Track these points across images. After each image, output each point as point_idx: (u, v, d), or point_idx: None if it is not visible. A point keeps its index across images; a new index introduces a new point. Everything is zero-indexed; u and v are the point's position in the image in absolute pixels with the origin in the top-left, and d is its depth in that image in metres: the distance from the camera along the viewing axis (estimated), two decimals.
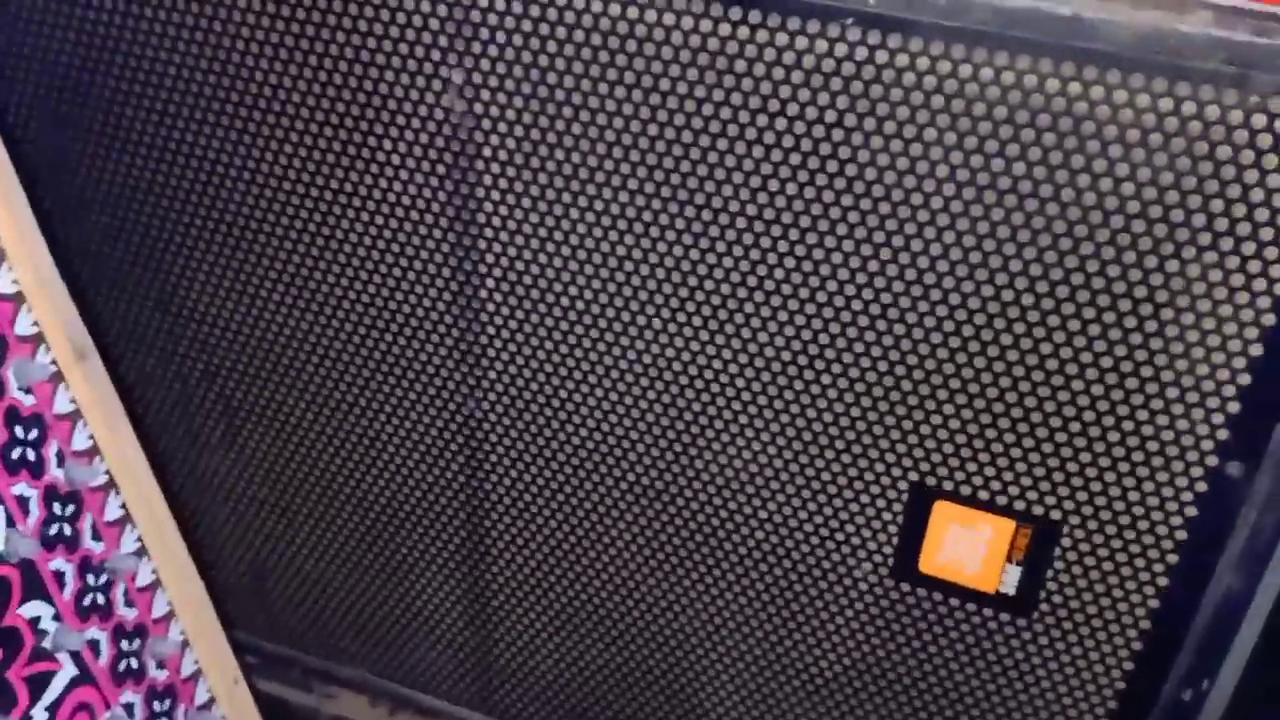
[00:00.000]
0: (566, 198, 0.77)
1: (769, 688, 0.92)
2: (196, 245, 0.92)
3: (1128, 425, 0.69)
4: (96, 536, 0.70)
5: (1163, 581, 0.73)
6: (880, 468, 0.78)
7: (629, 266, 0.78)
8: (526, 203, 0.78)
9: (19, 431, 0.64)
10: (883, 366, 0.74)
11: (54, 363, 0.67)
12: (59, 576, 0.68)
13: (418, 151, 0.80)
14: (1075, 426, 0.71)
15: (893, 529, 0.79)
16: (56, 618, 0.67)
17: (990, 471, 0.75)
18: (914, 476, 0.77)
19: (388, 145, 0.80)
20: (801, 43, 0.66)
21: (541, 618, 0.99)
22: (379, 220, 0.84)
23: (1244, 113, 0.58)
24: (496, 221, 0.80)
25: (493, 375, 0.87)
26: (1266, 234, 0.61)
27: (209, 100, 0.84)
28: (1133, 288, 0.65)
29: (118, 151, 0.90)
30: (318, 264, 0.88)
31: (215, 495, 1.08)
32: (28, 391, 0.65)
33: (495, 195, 0.79)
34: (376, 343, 0.90)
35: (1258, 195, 0.60)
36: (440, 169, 0.80)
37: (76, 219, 0.96)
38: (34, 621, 0.66)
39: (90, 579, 0.70)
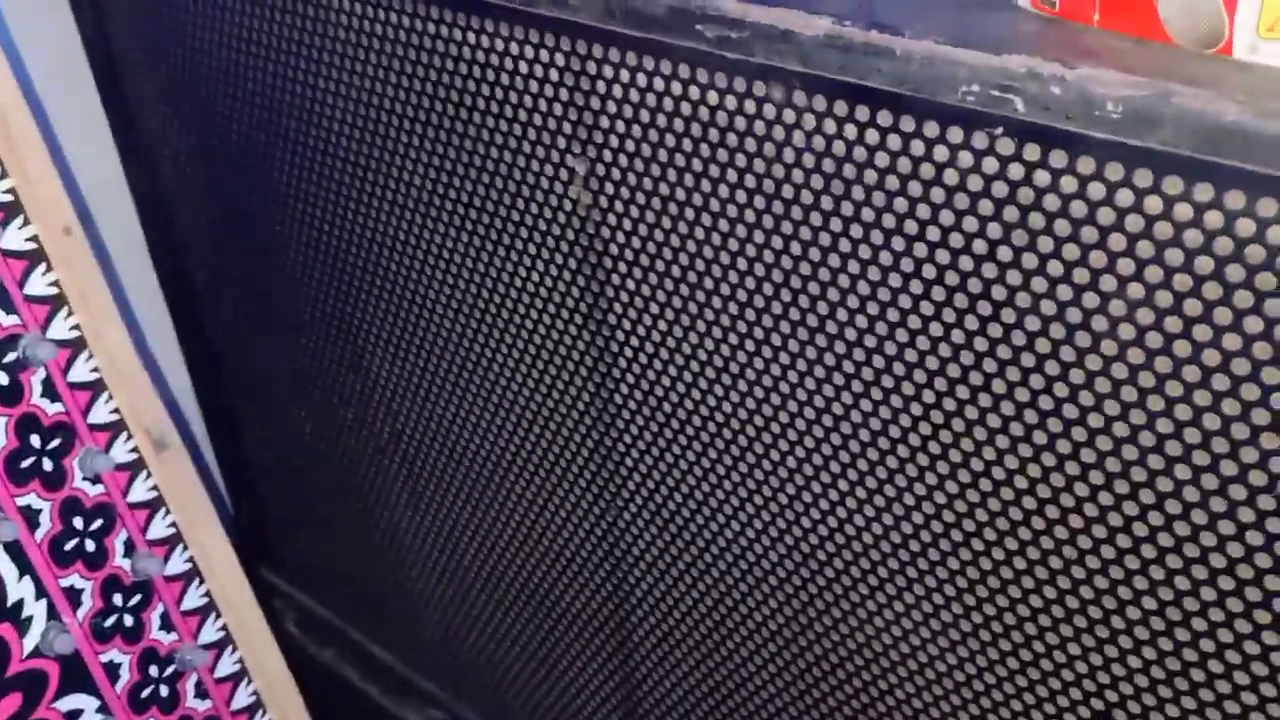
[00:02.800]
0: (693, 279, 0.66)
1: None
2: (374, 315, 0.91)
3: None
4: (167, 627, 0.69)
5: None
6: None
7: (757, 345, 0.66)
8: (653, 279, 0.68)
9: (78, 522, 0.63)
10: (1036, 518, 0.57)
11: (133, 451, 0.66)
12: (111, 668, 0.66)
13: (550, 242, 0.72)
14: None
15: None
16: (103, 709, 0.66)
17: None
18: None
19: (524, 233, 0.73)
20: (939, 152, 0.51)
21: None
22: (509, 302, 0.77)
23: None
24: (624, 300, 0.71)
25: (629, 461, 0.78)
26: None
27: (379, 189, 0.81)
28: None
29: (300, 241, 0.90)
30: (448, 346, 0.83)
31: (405, 555, 1.08)
32: (96, 481, 0.64)
33: (622, 282, 0.70)
34: (515, 427, 0.84)
35: None
36: (573, 260, 0.72)
37: (285, 292, 0.98)
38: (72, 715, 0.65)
39: (153, 670, 0.68)
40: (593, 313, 0.73)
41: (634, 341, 0.71)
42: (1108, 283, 0.48)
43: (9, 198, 0.68)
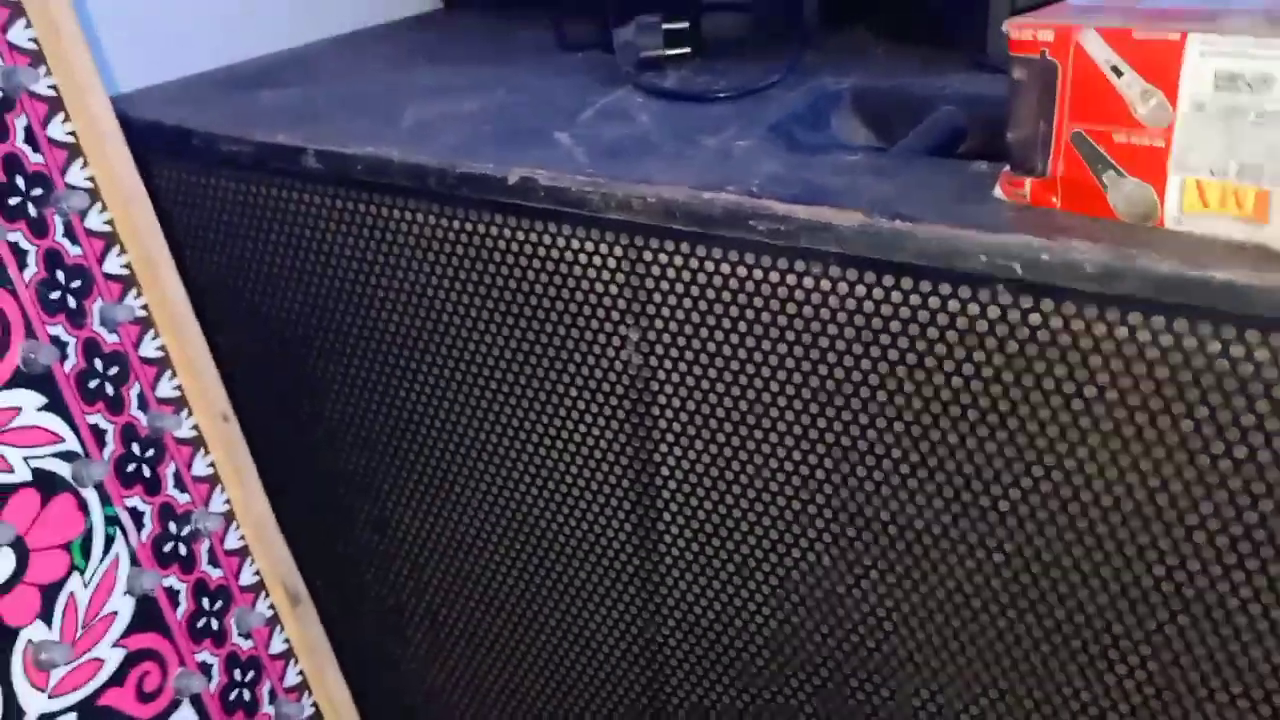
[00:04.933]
0: (736, 441, 0.80)
1: None
2: (409, 476, 1.01)
3: None
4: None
5: None
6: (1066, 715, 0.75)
7: (796, 506, 0.80)
8: (700, 445, 0.82)
9: (237, 674, 0.71)
10: (1055, 615, 0.72)
11: (271, 607, 0.75)
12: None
13: (600, 399, 0.86)
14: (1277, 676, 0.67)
15: None
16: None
17: None
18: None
19: (574, 393, 0.86)
20: (953, 305, 0.68)
21: None
22: (566, 459, 0.90)
23: None
24: (672, 461, 0.84)
25: (670, 604, 0.90)
26: None
27: (424, 349, 0.93)
28: None
29: (338, 400, 1.00)
30: (511, 498, 0.94)
31: (418, 697, 1.14)
32: (247, 636, 0.72)
33: (670, 438, 0.83)
34: (564, 569, 0.95)
35: None
36: (620, 414, 0.85)
37: (301, 465, 1.06)
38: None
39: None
40: (639, 454, 0.86)
41: (679, 482, 0.85)
42: (1090, 391, 0.66)
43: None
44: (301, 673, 0.76)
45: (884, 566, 0.78)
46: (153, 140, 0.93)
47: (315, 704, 0.77)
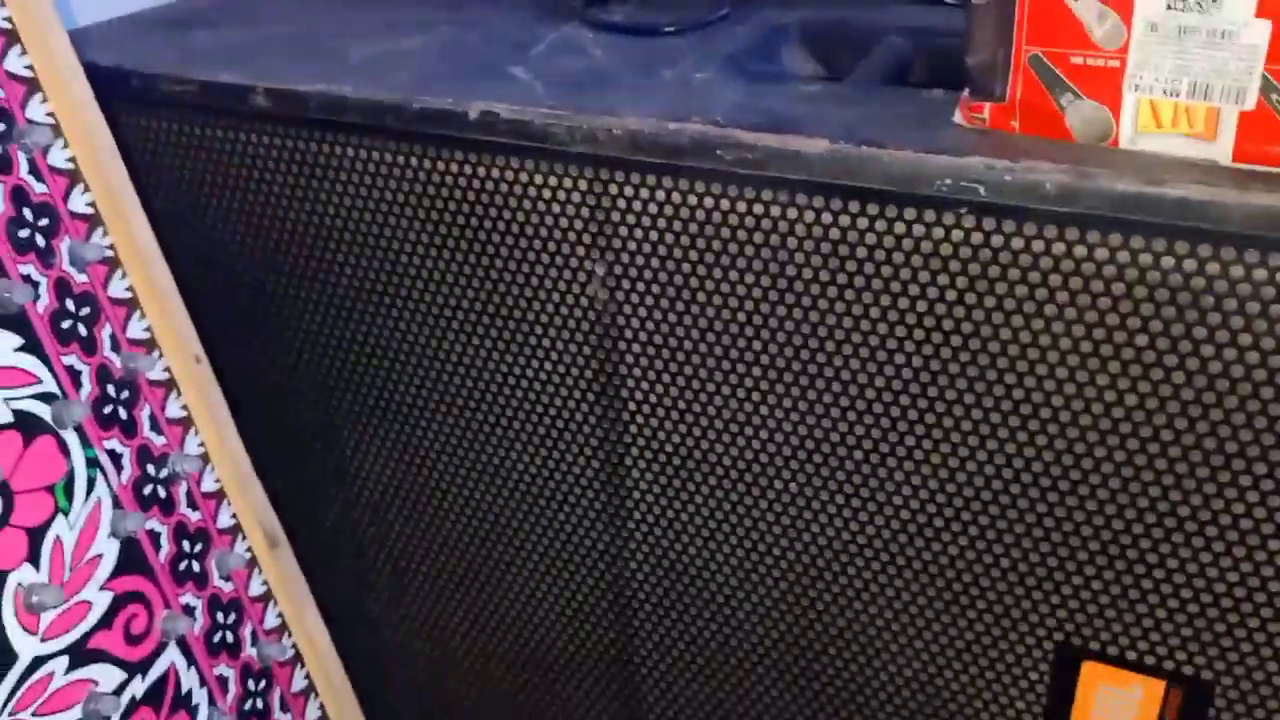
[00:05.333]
0: (703, 373, 0.82)
1: None
2: (370, 419, 1.00)
3: (1276, 584, 0.69)
4: (285, 708, 0.76)
5: None
6: (1025, 628, 0.78)
7: (764, 435, 0.82)
8: (667, 379, 0.84)
9: (219, 616, 0.71)
10: (1025, 525, 0.75)
11: (249, 550, 0.74)
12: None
13: (566, 336, 0.86)
14: (1221, 585, 0.71)
15: (1041, 690, 0.79)
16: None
17: (1137, 630, 0.75)
18: (1060, 636, 0.78)
19: (539, 331, 0.87)
20: (918, 229, 0.70)
21: None
22: (532, 397, 0.90)
23: None
24: (639, 396, 0.85)
25: (638, 538, 0.91)
26: None
27: (383, 292, 0.92)
28: (1267, 452, 0.66)
29: (299, 341, 0.99)
30: (476, 438, 0.95)
31: (387, 647, 1.15)
32: (227, 579, 0.72)
33: (637, 373, 0.84)
34: (529, 509, 0.96)
35: None
36: (586, 350, 0.86)
37: (262, 403, 1.05)
38: None
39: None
40: (605, 390, 0.87)
41: (646, 417, 0.86)
42: (1050, 309, 0.68)
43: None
44: (281, 615, 0.76)
45: (852, 492, 0.80)
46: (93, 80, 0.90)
47: (295, 645, 0.77)
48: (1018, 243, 0.68)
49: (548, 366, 0.88)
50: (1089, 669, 0.77)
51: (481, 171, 0.82)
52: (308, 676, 0.81)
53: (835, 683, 0.89)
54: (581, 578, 0.97)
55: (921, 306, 0.72)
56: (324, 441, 1.04)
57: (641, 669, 0.98)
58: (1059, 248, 0.67)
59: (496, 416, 0.93)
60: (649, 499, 0.89)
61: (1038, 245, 0.67)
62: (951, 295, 0.71)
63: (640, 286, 0.81)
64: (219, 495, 0.73)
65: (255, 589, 0.75)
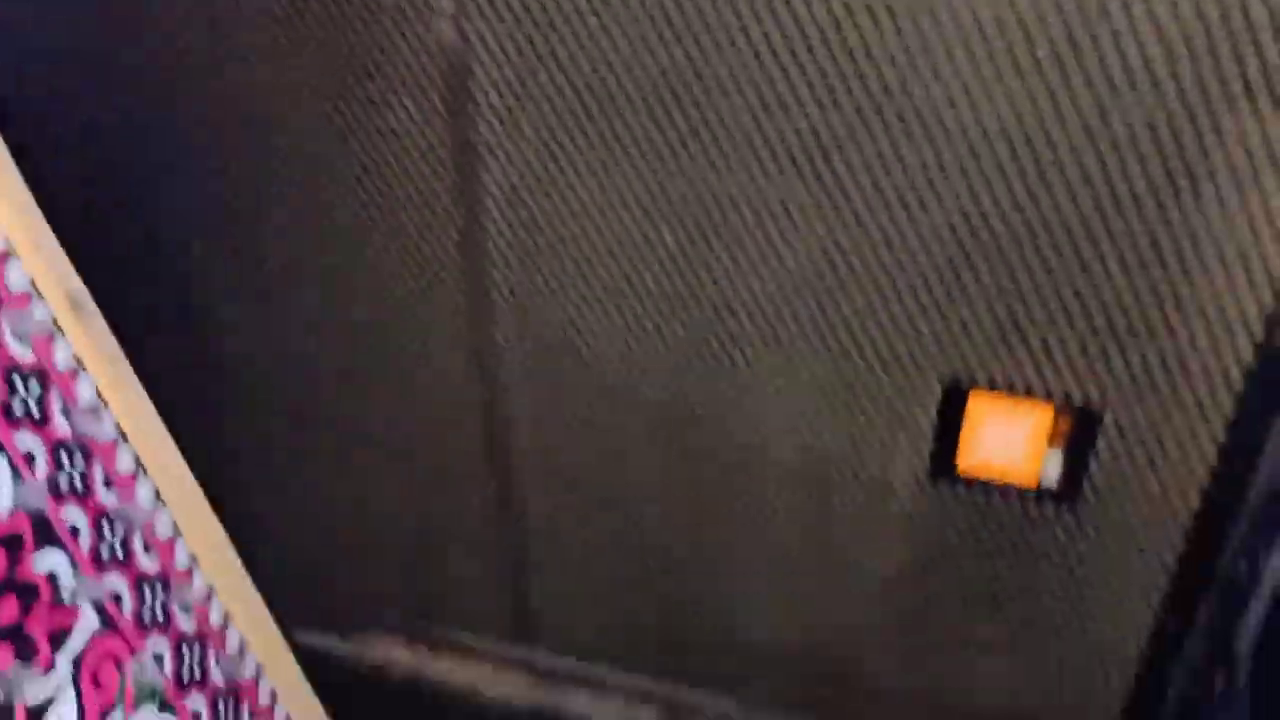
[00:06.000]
0: (567, 119, 0.73)
1: (812, 602, 0.90)
2: (205, 211, 0.90)
3: (1169, 304, 0.66)
4: (110, 488, 0.69)
5: (1212, 460, 0.70)
6: (911, 364, 0.75)
7: (638, 187, 0.74)
8: (525, 128, 0.75)
9: (19, 386, 0.62)
10: (905, 259, 0.71)
11: (51, 319, 0.65)
12: (74, 531, 0.66)
13: (413, 83, 0.76)
14: (1116, 310, 0.68)
15: (928, 427, 0.77)
16: (74, 568, 0.66)
17: (1025, 359, 0.72)
18: (948, 370, 0.74)
19: (383, 81, 0.77)
20: None
21: (577, 547, 0.97)
22: (378, 154, 0.81)
23: None
24: (496, 148, 0.77)
25: (503, 306, 0.84)
26: None
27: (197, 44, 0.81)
28: (1168, 158, 0.62)
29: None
30: (320, 207, 0.85)
31: (242, 455, 1.07)
32: (26, 345, 0.63)
33: (493, 121, 0.76)
34: (385, 281, 0.87)
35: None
36: (435, 98, 0.76)
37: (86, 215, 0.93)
38: (51, 575, 0.64)
39: (107, 530, 0.69)
40: (460, 145, 0.78)
41: (504, 174, 0.78)
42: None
43: None
44: (95, 389, 0.67)
45: (739, 247, 0.74)
46: None
47: (117, 424, 0.69)
48: None
49: (392, 120, 0.79)
50: (977, 399, 0.74)
51: None
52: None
53: (720, 452, 0.85)
54: (448, 360, 0.90)
55: (812, 32, 0.64)
56: (167, 254, 0.93)
57: (517, 443, 0.93)
58: None
59: (342, 181, 0.83)
60: (512, 260, 0.82)
61: None
62: (842, 13, 0.64)
63: (492, 23, 0.71)
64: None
65: (63, 363, 0.66)
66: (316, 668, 1.01)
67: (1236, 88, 0.58)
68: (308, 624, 1.15)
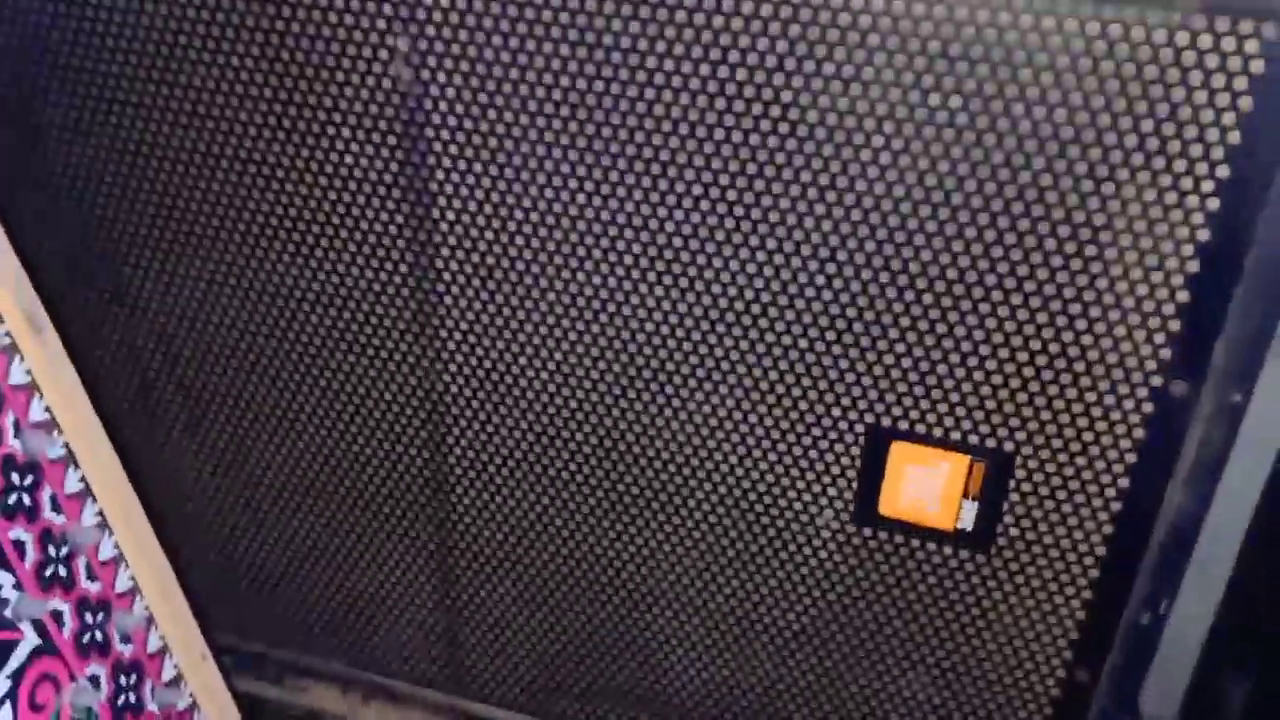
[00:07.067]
0: (517, 158, 0.78)
1: (739, 644, 0.93)
2: (150, 235, 0.92)
3: (1072, 351, 0.71)
4: (57, 509, 0.70)
5: (1116, 506, 0.75)
6: (837, 412, 0.79)
7: (582, 224, 0.79)
8: (478, 167, 0.79)
9: None
10: (833, 310, 0.75)
11: (8, 335, 0.67)
12: (19, 546, 0.67)
13: (368, 122, 0.80)
14: (1023, 357, 0.72)
15: (852, 473, 0.81)
16: (17, 587, 0.67)
17: (943, 408, 0.76)
18: (870, 419, 0.78)
19: (338, 117, 0.81)
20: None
21: (509, 592, 0.99)
22: (332, 194, 0.84)
23: (1168, 30, 0.60)
24: (449, 188, 0.81)
25: (451, 346, 0.87)
26: (1195, 150, 0.63)
27: (155, 84, 0.84)
28: (1070, 213, 0.67)
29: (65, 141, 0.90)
30: (272, 244, 0.88)
31: (180, 488, 1.08)
32: None
33: (447, 161, 0.80)
34: (335, 321, 0.90)
35: (1185, 112, 0.62)
36: (391, 138, 0.80)
37: (33, 219, 0.95)
38: None
39: (51, 550, 0.70)
40: (413, 184, 0.82)
41: (457, 211, 0.81)
42: (859, 56, 0.67)
43: None
44: (48, 409, 0.69)
45: (670, 282, 0.78)
46: None
47: (67, 444, 0.70)
48: (836, 0, 0.66)
49: (349, 159, 0.82)
50: (898, 449, 0.78)
51: None
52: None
53: (653, 483, 0.88)
54: (394, 393, 0.92)
55: (742, 75, 0.70)
56: (103, 266, 0.95)
57: (455, 487, 0.95)
58: (877, 4, 0.65)
59: (294, 219, 0.86)
60: (462, 299, 0.85)
61: (855, 2, 0.65)
62: (772, 61, 0.69)
63: (448, 64, 0.76)
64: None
65: (17, 378, 0.67)
66: (248, 714, 1.00)
67: (1134, 158, 0.64)
68: (241, 669, 1.15)
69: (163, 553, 0.79)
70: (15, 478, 0.67)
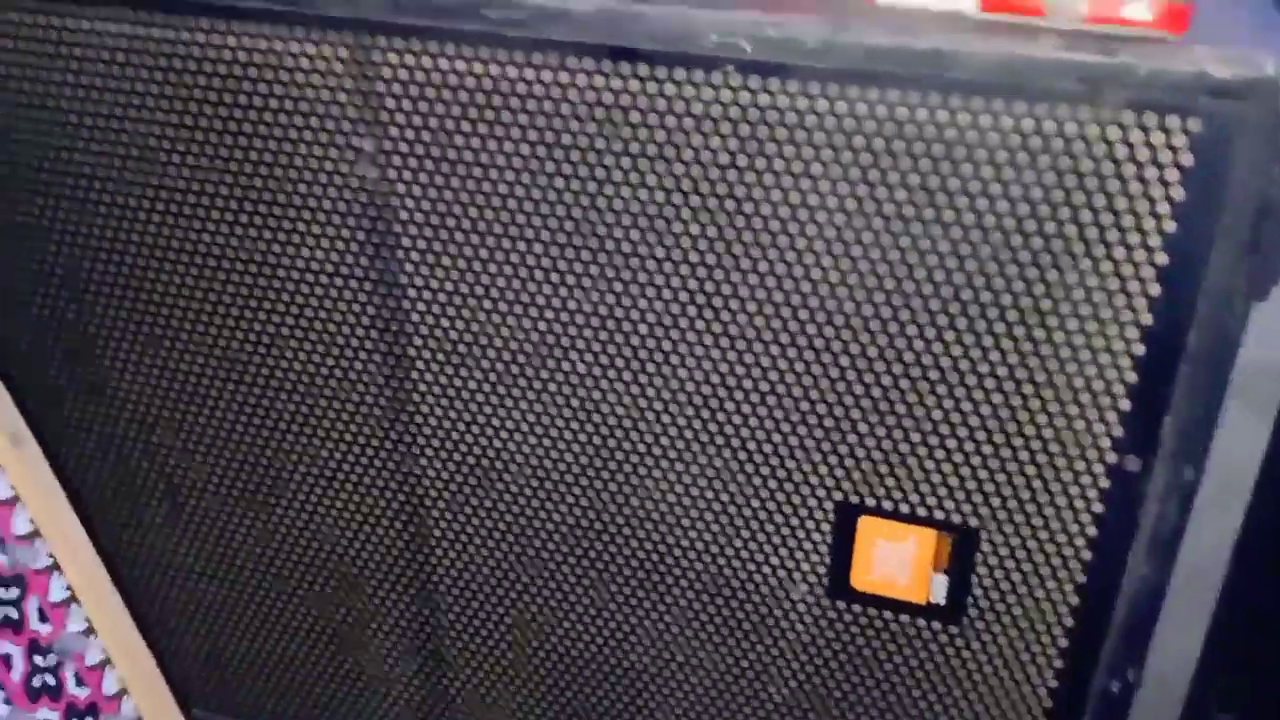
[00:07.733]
0: (483, 253, 0.80)
1: (721, 717, 0.94)
2: (127, 329, 0.94)
3: (1029, 430, 0.72)
4: (44, 618, 0.72)
5: (1080, 577, 0.76)
6: (805, 490, 0.80)
7: (549, 311, 0.80)
8: (447, 260, 0.81)
9: None
10: (795, 394, 0.77)
11: None
12: (7, 660, 0.69)
13: (336, 219, 0.82)
14: (981, 435, 0.74)
15: (824, 549, 0.82)
16: (6, 701, 0.68)
17: (908, 485, 0.77)
18: (838, 495, 0.80)
19: (307, 215, 0.83)
20: (688, 90, 0.69)
21: (495, 668, 1.00)
22: (305, 288, 0.86)
23: (1099, 126, 0.62)
24: (419, 281, 0.83)
25: (427, 431, 0.89)
26: (1133, 238, 0.64)
27: (126, 184, 0.86)
28: (1018, 299, 0.69)
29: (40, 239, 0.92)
30: (247, 335, 0.90)
31: (163, 574, 1.09)
32: None
33: (415, 255, 0.82)
34: (310, 409, 0.92)
35: (1121, 203, 0.64)
36: (360, 234, 0.82)
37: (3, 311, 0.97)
38: None
39: (39, 660, 0.71)
40: (383, 276, 0.84)
41: (427, 302, 0.83)
42: (816, 168, 0.69)
43: None
44: (32, 520, 0.71)
45: (639, 367, 0.80)
46: None
47: (51, 554, 0.72)
48: (783, 100, 0.68)
49: (319, 255, 0.84)
50: (866, 524, 0.79)
51: (232, 42, 0.77)
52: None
53: (631, 562, 0.89)
54: (371, 478, 0.94)
55: (696, 171, 0.72)
56: (81, 354, 0.97)
57: (437, 564, 0.97)
58: (821, 104, 0.67)
59: (266, 315, 0.88)
60: (435, 388, 0.87)
61: (801, 103, 0.68)
62: (724, 159, 0.71)
63: (412, 162, 0.78)
64: None
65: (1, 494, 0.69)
66: None
67: (1075, 247, 0.66)
68: None
69: (150, 654, 0.81)
70: (2, 591, 0.68)
